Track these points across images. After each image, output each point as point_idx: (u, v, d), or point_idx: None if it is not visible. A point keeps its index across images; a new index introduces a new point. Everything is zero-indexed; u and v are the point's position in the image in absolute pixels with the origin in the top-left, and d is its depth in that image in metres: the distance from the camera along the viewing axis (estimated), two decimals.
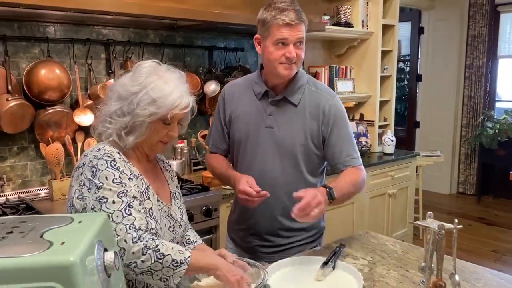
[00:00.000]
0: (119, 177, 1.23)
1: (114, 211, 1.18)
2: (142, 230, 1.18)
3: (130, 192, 1.23)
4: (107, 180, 1.21)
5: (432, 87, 6.01)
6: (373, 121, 3.99)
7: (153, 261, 1.15)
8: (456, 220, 0.96)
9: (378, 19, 3.85)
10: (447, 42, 5.80)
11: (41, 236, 0.80)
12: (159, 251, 1.16)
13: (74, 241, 0.78)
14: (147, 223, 1.23)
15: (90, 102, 2.63)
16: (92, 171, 1.23)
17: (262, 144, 1.68)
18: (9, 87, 2.36)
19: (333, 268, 1.43)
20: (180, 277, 1.19)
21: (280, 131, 1.67)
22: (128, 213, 1.19)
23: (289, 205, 1.61)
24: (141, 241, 1.15)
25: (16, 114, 2.34)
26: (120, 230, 1.15)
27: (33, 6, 2.07)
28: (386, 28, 3.99)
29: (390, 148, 3.91)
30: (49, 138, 2.51)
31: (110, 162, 1.24)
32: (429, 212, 0.93)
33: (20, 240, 0.79)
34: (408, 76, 6.68)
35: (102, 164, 1.24)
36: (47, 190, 2.55)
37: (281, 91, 1.69)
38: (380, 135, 4.03)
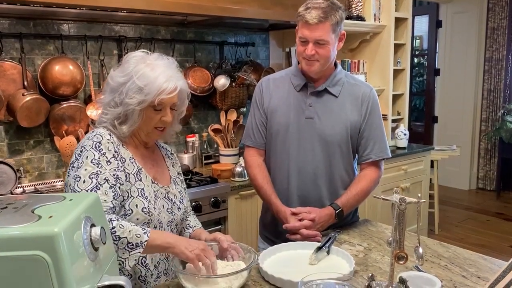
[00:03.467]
0: (98, 158, 1.30)
1: (82, 190, 1.24)
2: None
3: (103, 175, 1.28)
4: (87, 159, 1.29)
5: (450, 81, 5.92)
6: (386, 115, 3.97)
7: None
8: (419, 195, 0.97)
9: (390, 12, 3.82)
10: (465, 35, 5.71)
11: (32, 212, 0.86)
12: (114, 233, 1.20)
13: (61, 216, 0.83)
14: (113, 206, 1.27)
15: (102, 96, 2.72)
16: (81, 150, 1.31)
17: (302, 135, 1.72)
18: (25, 83, 2.47)
19: (328, 253, 1.45)
20: (136, 259, 1.22)
21: (321, 121, 1.71)
22: None
23: (328, 195, 1.74)
24: None
25: (32, 108, 2.44)
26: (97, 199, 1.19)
27: (48, 3, 2.17)
28: (399, 21, 3.96)
29: (403, 142, 3.89)
30: (64, 132, 2.61)
31: (96, 144, 1.32)
32: (395, 188, 0.95)
33: (12, 214, 0.84)
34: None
35: (89, 145, 1.31)
36: (63, 182, 2.65)
37: (320, 83, 1.73)
38: (393, 129, 4.01)
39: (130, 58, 1.37)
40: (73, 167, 1.30)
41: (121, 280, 0.91)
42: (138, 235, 1.23)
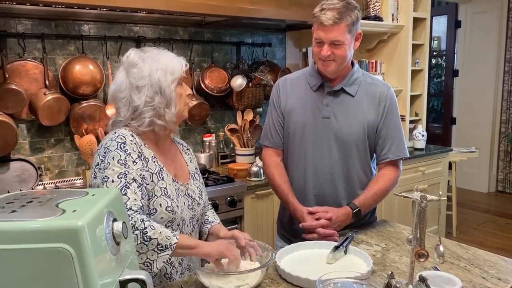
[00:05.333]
0: (124, 158, 1.31)
1: None
2: (132, 210, 1.24)
3: (130, 174, 1.29)
4: (113, 160, 1.30)
5: (469, 82, 5.84)
6: (403, 116, 3.93)
7: (139, 242, 1.20)
8: (440, 192, 0.97)
9: (408, 12, 3.79)
10: (485, 36, 5.62)
11: (57, 206, 0.88)
12: (146, 233, 1.21)
13: (85, 210, 0.85)
14: (142, 205, 1.28)
15: None
16: (105, 152, 1.32)
17: (319, 134, 1.72)
18: (47, 82, 2.52)
19: (345, 252, 1.45)
20: (164, 262, 1.24)
21: (337, 121, 1.71)
22: (124, 193, 1.25)
23: (345, 195, 1.73)
24: (129, 221, 1.20)
25: (53, 107, 2.49)
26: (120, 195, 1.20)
27: (69, 4, 2.21)
28: (418, 21, 3.92)
29: (421, 143, 3.86)
30: (83, 131, 2.65)
31: (121, 144, 1.33)
32: (416, 186, 0.94)
33: (37, 208, 0.87)
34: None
35: (113, 146, 1.32)
36: (82, 180, 2.69)
37: (337, 83, 1.73)
38: (411, 130, 3.97)
39: (131, 58, 1.37)
40: (99, 168, 1.32)
41: (142, 275, 0.93)
42: (168, 237, 1.24)
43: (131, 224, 1.21)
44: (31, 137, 2.59)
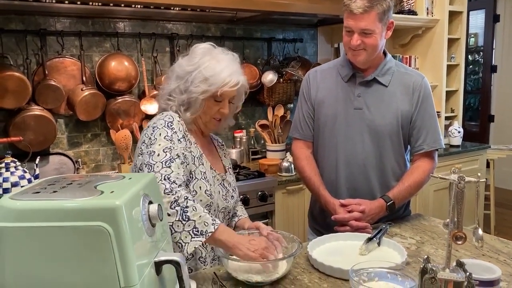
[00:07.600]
0: (171, 135, 1.34)
1: (156, 162, 1.28)
2: (176, 184, 1.25)
3: (175, 150, 1.32)
4: (160, 136, 1.33)
5: (508, 78, 5.63)
6: (439, 112, 3.83)
7: (177, 219, 1.20)
8: (479, 174, 0.94)
9: (444, 6, 3.69)
10: None
11: (95, 187, 0.91)
12: (186, 212, 1.21)
13: (122, 191, 0.87)
14: (184, 181, 1.30)
15: (155, 92, 2.80)
16: (153, 129, 1.36)
17: (351, 126, 1.70)
18: (84, 78, 2.60)
19: (378, 244, 1.43)
20: (195, 247, 1.20)
21: (370, 112, 1.69)
22: (167, 165, 1.27)
23: (379, 187, 1.71)
24: (172, 194, 1.22)
25: (90, 103, 2.57)
26: (156, 178, 1.19)
27: (105, 1, 2.29)
28: (454, 15, 3.81)
29: (457, 140, 3.75)
30: (119, 126, 2.72)
31: (168, 123, 1.36)
32: (453, 168, 0.92)
33: (77, 189, 0.90)
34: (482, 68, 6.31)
35: (161, 124, 1.36)
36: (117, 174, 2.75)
37: (369, 73, 1.70)
38: (447, 127, 3.87)
39: (197, 49, 1.42)
40: (146, 145, 1.34)
41: (176, 256, 0.94)
42: (206, 224, 1.23)
43: (174, 198, 1.21)
44: (69, 131, 2.67)
